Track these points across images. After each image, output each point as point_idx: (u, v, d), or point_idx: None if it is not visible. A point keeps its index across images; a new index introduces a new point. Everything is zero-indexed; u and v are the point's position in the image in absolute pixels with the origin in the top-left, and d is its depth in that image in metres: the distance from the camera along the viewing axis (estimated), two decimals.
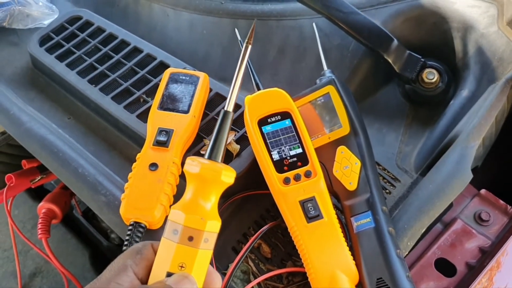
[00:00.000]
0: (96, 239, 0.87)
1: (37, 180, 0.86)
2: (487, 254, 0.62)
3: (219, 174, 0.43)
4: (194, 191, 0.43)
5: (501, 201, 0.66)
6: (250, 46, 0.51)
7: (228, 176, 0.44)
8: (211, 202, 0.43)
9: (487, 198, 0.67)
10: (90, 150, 0.70)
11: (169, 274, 0.40)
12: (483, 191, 0.67)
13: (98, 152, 0.70)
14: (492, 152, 0.72)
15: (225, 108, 0.49)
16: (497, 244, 0.62)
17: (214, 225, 0.42)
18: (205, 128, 0.68)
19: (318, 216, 0.55)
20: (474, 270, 0.60)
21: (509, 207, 0.66)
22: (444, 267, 0.62)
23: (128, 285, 0.40)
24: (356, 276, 0.54)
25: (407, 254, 0.60)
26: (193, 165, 0.44)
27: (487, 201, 0.67)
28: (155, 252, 0.43)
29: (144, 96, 0.72)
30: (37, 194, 0.98)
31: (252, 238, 0.60)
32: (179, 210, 0.42)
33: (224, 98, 0.71)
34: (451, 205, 0.66)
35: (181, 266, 0.40)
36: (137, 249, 0.43)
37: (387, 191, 0.67)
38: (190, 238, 0.41)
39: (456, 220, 0.65)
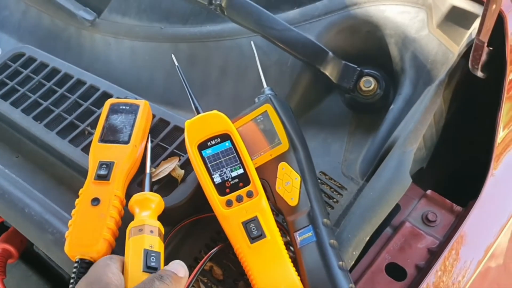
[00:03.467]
0: (58, 272, 0.87)
1: None
2: (435, 255, 0.63)
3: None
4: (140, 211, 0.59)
5: (447, 201, 0.67)
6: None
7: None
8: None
9: (434, 198, 0.68)
10: (38, 188, 0.69)
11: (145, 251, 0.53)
12: (429, 191, 0.68)
13: (47, 189, 0.70)
14: (437, 152, 0.74)
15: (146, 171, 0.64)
16: (444, 243, 0.64)
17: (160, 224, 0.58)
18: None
19: (261, 236, 0.56)
20: (423, 272, 0.61)
21: (454, 205, 0.67)
22: (395, 271, 0.62)
23: (116, 271, 0.50)
24: None
25: (355, 263, 0.60)
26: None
27: (433, 202, 0.68)
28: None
29: (88, 128, 0.72)
30: None
31: (201, 262, 0.60)
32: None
33: (168, 123, 0.71)
34: (399, 208, 0.67)
35: (151, 246, 0.54)
36: (108, 256, 0.53)
37: (335, 200, 0.68)
38: (151, 231, 0.56)
39: (405, 223, 0.66)
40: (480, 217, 0.62)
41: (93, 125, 0.72)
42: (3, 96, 0.79)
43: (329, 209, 0.66)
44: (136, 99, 0.71)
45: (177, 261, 0.53)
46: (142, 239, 0.54)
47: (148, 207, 0.59)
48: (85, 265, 0.56)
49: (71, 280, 0.55)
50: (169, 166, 0.66)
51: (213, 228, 0.66)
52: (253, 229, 0.56)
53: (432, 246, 0.63)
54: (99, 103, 0.75)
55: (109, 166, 0.61)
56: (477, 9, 0.65)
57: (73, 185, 0.70)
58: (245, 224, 0.57)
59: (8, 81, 0.81)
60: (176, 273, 0.51)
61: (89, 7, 0.91)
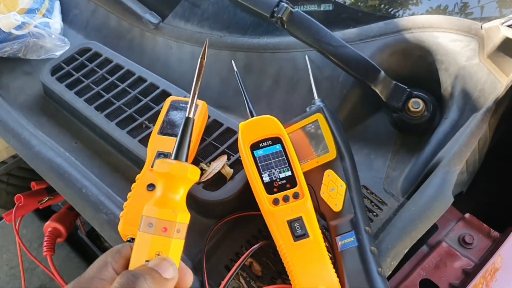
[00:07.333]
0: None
1: (44, 201, 0.90)
2: (469, 275, 0.64)
3: (186, 171, 0.47)
4: (164, 188, 0.47)
5: (485, 225, 0.68)
6: (204, 61, 0.56)
7: (193, 173, 0.48)
8: (180, 197, 0.47)
9: (471, 222, 0.69)
10: (95, 172, 0.74)
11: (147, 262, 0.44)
12: (467, 215, 0.70)
13: (102, 174, 0.75)
14: (478, 178, 0.75)
15: (186, 115, 0.53)
16: (479, 266, 0.65)
17: (184, 217, 0.46)
18: (202, 153, 0.72)
19: (304, 235, 0.59)
20: None
21: (492, 230, 0.68)
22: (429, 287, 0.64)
23: (110, 279, 0.43)
24: None
25: (391, 274, 0.62)
26: (162, 165, 0.47)
27: (471, 225, 0.69)
28: None
29: (146, 122, 0.77)
30: (45, 215, 1.03)
31: (244, 256, 0.63)
32: (152, 206, 0.45)
33: (221, 125, 0.75)
34: (436, 228, 0.69)
35: (158, 255, 0.44)
36: (116, 249, 0.46)
37: (375, 214, 0.70)
38: (164, 229, 0.44)
39: (441, 242, 0.67)
40: None
41: (151, 119, 0.77)
42: (69, 86, 0.84)
43: None
44: None
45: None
46: (148, 240, 0.44)
47: (176, 185, 0.47)
48: None
49: None
50: (219, 164, 0.70)
51: (255, 226, 0.68)
52: (297, 228, 0.59)
53: (467, 267, 0.65)
54: (158, 100, 0.79)
55: (166, 156, 0.66)
56: None
57: (127, 173, 0.75)
58: (290, 223, 0.60)
59: (74, 73, 0.86)
60: (160, 273, 0.43)
61: (155, 11, 0.97)
